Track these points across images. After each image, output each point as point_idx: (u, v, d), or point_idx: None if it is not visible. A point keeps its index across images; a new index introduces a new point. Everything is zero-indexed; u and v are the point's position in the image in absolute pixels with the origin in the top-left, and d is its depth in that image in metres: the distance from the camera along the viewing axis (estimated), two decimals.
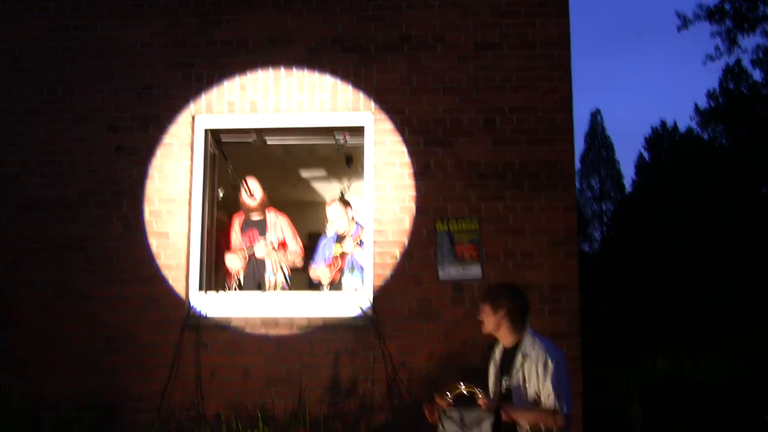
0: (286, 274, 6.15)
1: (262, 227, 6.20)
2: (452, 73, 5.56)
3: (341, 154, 6.92)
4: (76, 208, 5.65)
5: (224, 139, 5.95)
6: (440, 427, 3.53)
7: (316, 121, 5.69)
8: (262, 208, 6.22)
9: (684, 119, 41.72)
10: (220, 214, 6.06)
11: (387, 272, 5.35)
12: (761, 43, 24.20)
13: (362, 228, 5.97)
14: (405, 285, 5.32)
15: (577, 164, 40.91)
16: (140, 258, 5.52)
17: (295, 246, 6.22)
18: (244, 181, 6.14)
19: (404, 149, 5.49)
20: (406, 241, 5.38)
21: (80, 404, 5.19)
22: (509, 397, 3.66)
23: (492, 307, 3.76)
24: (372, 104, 5.57)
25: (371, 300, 5.35)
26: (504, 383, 3.73)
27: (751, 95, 28.10)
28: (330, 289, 6.08)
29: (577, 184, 38.86)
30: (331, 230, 6.38)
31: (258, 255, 6.06)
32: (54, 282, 5.56)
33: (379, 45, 5.64)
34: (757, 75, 27.26)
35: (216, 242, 5.94)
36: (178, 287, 5.48)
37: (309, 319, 5.36)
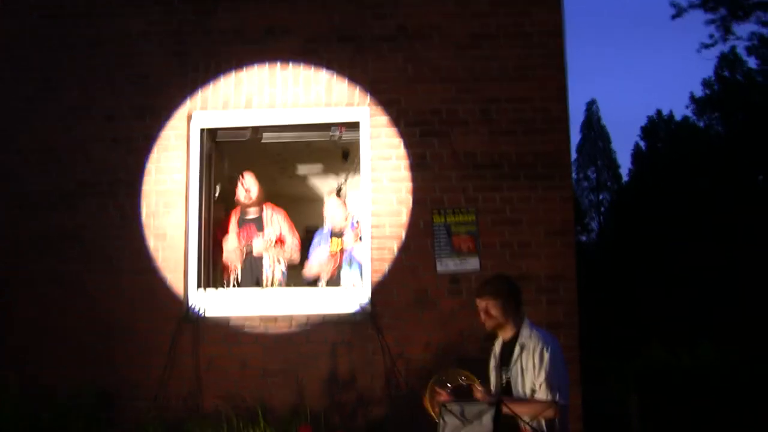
0: (284, 269, 6.12)
1: (259, 223, 6.18)
2: (448, 64, 5.54)
3: (338, 147, 6.90)
4: (73, 198, 5.64)
5: (219, 138, 5.94)
6: (441, 420, 3.46)
7: (312, 117, 5.68)
8: (259, 204, 6.20)
9: (680, 108, 41.43)
10: (217, 209, 6.04)
11: (385, 265, 5.35)
12: (756, 31, 24.17)
13: (358, 223, 5.95)
14: (402, 277, 5.32)
15: (574, 154, 40.76)
16: (137, 249, 5.51)
17: (292, 240, 6.20)
18: (240, 177, 6.12)
19: (400, 141, 5.48)
20: (403, 233, 5.37)
21: (78, 393, 5.19)
22: (509, 390, 3.66)
23: (500, 300, 3.71)
24: (368, 96, 5.54)
25: (369, 294, 5.35)
26: (504, 376, 3.74)
27: (746, 82, 28.08)
28: (327, 284, 6.04)
29: (574, 175, 38.88)
30: (327, 225, 6.37)
31: (255, 251, 6.04)
32: (51, 272, 5.56)
33: (375, 35, 5.61)
34: (752, 62, 27.28)
35: (213, 238, 5.92)
36: (175, 279, 5.48)
37: (308, 316, 5.36)
